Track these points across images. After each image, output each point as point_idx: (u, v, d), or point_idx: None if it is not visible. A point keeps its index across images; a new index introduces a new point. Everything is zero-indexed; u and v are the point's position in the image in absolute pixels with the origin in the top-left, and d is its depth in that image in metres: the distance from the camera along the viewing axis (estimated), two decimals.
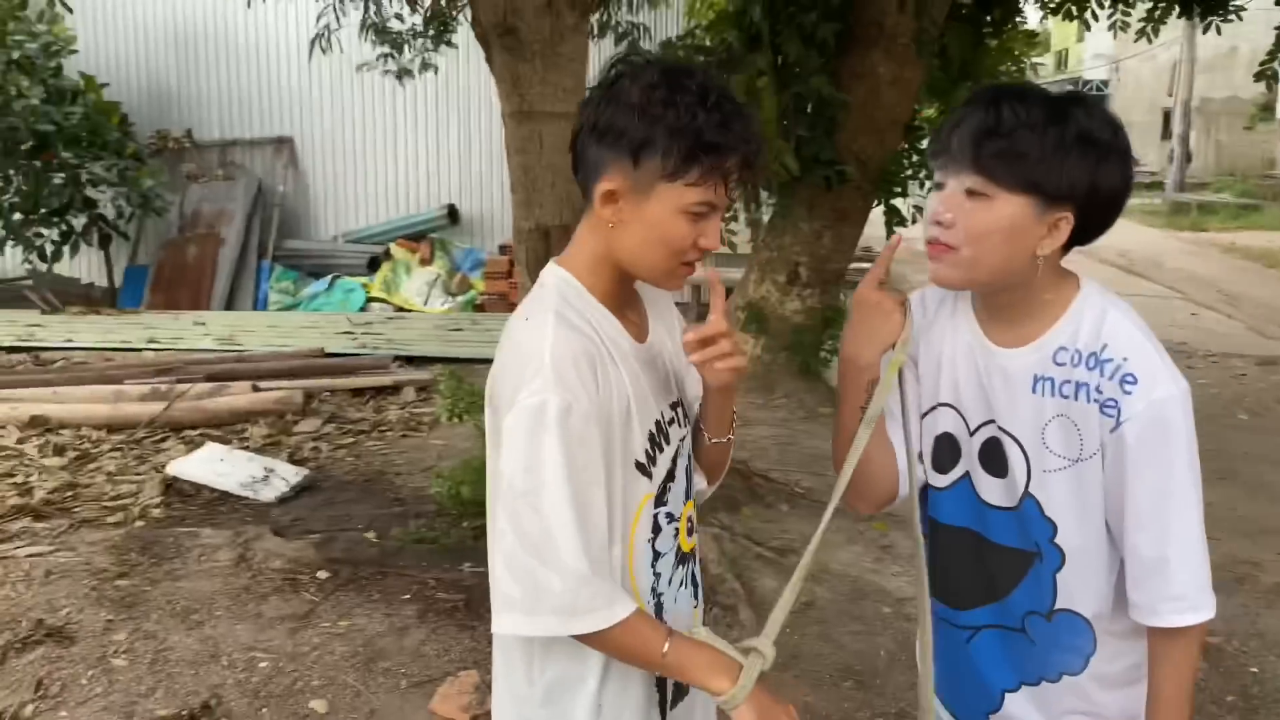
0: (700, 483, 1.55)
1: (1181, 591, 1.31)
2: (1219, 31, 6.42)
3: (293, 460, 5.27)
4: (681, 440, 1.44)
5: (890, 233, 6.34)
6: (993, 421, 1.43)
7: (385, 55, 5.30)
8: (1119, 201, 1.34)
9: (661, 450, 1.36)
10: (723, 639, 1.31)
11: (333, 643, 3.31)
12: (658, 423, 1.36)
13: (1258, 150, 27.35)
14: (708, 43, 6.10)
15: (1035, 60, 8.99)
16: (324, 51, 4.70)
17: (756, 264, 6.46)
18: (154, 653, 3.23)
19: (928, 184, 6.41)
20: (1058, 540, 1.39)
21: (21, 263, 9.48)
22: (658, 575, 1.38)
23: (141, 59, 10.22)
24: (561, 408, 1.20)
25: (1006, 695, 1.48)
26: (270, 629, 3.40)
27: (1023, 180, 1.28)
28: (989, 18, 6.70)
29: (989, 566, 1.47)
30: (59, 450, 5.36)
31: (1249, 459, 5.54)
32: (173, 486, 4.76)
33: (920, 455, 1.53)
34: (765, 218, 6.63)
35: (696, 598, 1.51)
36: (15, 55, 8.42)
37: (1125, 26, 6.95)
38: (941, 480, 1.51)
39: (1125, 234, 17.08)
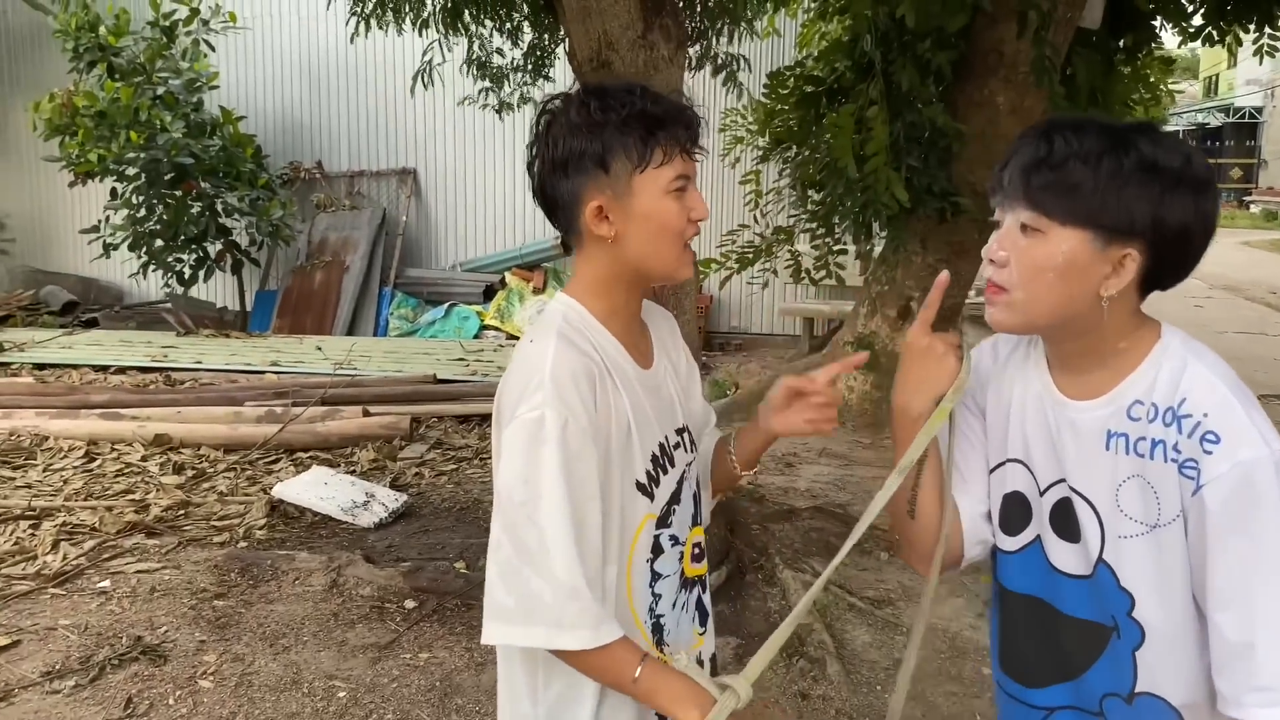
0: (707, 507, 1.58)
1: (1270, 682, 1.14)
2: None
3: (395, 485, 5.35)
4: (688, 465, 1.46)
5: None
6: (1064, 481, 1.30)
7: (486, 90, 5.39)
8: (1194, 236, 1.20)
9: (665, 472, 1.39)
10: (705, 673, 1.32)
11: (411, 675, 3.30)
12: (661, 445, 1.39)
13: None
14: (818, 73, 5.98)
15: (1175, 87, 8.52)
16: (425, 87, 4.79)
17: (867, 298, 6.27)
18: (240, 676, 3.28)
19: None
20: (1136, 614, 1.25)
21: (161, 287, 10.01)
22: (657, 597, 1.40)
23: (276, 93, 10.71)
24: (560, 422, 1.23)
25: None
26: (352, 657, 3.41)
27: (1077, 213, 1.18)
28: (1121, 43, 6.38)
29: (1062, 641, 1.33)
30: (178, 468, 5.58)
31: None
32: (278, 508, 4.89)
33: (990, 514, 1.41)
34: (876, 250, 6.43)
35: (702, 624, 1.51)
36: (160, 91, 8.93)
37: (1273, 52, 6.50)
38: (1010, 543, 1.39)
39: (1276, 270, 15.99)
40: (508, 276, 10.15)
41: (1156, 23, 6.54)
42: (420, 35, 4.83)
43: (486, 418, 6.74)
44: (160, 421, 6.11)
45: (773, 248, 6.41)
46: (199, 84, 9.29)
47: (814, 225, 5.91)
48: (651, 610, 1.39)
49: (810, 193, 5.99)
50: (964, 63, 5.58)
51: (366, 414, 6.32)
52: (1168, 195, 1.17)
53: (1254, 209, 29.15)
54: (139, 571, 4.11)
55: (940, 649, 3.44)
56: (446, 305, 9.96)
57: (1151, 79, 7.01)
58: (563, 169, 1.32)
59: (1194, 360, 1.22)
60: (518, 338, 9.50)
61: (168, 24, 9.21)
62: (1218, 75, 34.68)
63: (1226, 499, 1.15)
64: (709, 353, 9.52)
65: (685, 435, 1.47)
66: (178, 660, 3.37)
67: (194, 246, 9.43)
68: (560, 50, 4.76)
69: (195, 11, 9.26)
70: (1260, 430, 1.16)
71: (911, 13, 4.74)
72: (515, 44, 4.87)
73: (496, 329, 9.63)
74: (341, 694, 3.19)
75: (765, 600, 3.72)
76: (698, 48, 4.51)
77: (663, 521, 1.39)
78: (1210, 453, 1.16)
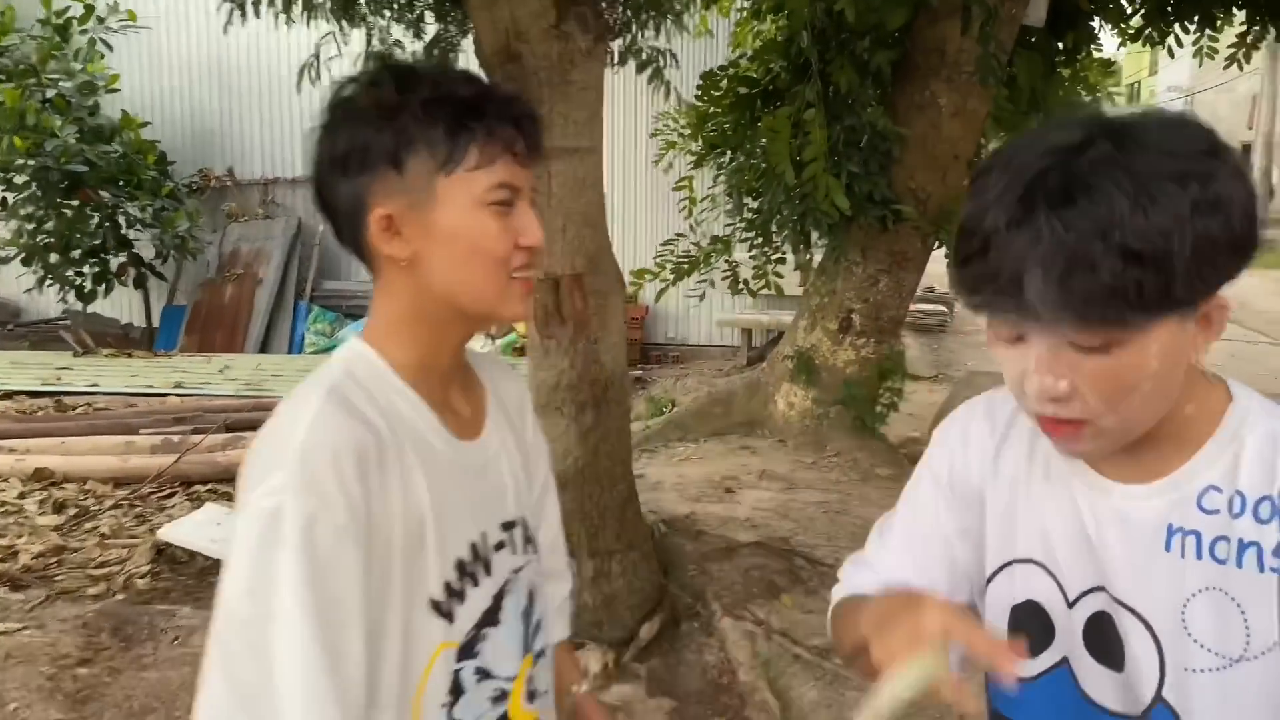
0: (559, 627, 1.29)
1: None
2: None
3: None
4: (516, 572, 1.11)
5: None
6: (1103, 589, 0.96)
7: None
8: (1254, 221, 0.83)
9: (476, 584, 1.05)
10: None
11: None
12: (474, 547, 1.05)
13: None
14: (752, 74, 5.68)
15: (1111, 90, 8.43)
16: (311, 83, 4.38)
17: (807, 310, 5.98)
18: None
19: None
20: None
21: (57, 301, 9.36)
22: None
23: (183, 97, 10.12)
24: (305, 517, 0.88)
25: None
26: None
27: (1160, 304, 0.80)
28: (1061, 45, 6.20)
29: None
30: (59, 507, 5.05)
31: None
32: (164, 552, 4.40)
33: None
34: (816, 259, 6.15)
35: None
36: (50, 94, 8.33)
37: (1213, 54, 6.38)
38: (1026, 669, 1.02)
39: None
40: None
41: (1096, 23, 6.39)
42: (308, 27, 4.42)
43: None
44: (41, 455, 5.56)
45: (709, 258, 6.10)
46: (94, 86, 8.69)
47: (751, 234, 5.61)
48: None
49: (747, 200, 5.69)
50: (904, 63, 5.33)
51: None
52: (1238, 221, 0.81)
53: None
54: None
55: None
56: (367, 320, 9.47)
57: (1091, 81, 6.85)
58: (342, 166, 0.99)
59: None
60: None
61: (60, 22, 8.60)
62: (1140, 82, 35.46)
63: None
64: (645, 366, 9.18)
65: (516, 532, 1.12)
66: None
67: (93, 259, 8.81)
68: (469, 43, 4.40)
69: (90, 9, 8.67)
70: None
71: (850, 8, 4.45)
72: (418, 36, 4.48)
73: None
74: None
75: (702, 652, 3.36)
76: (621, 42, 4.17)
77: (467, 651, 1.03)
78: None
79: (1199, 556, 0.90)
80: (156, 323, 9.67)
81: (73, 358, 8.56)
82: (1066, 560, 0.99)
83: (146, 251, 9.16)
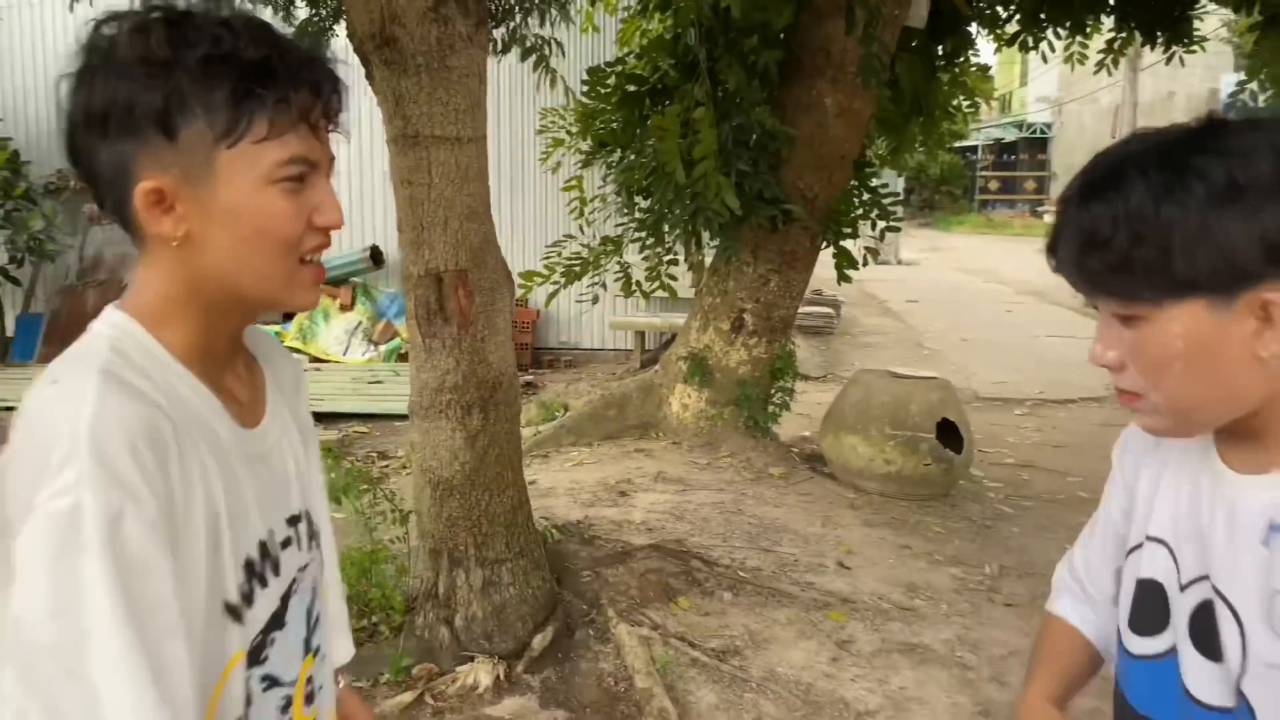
0: (343, 646, 1.20)
1: None
2: (1182, 63, 6.09)
3: None
4: (302, 570, 1.01)
5: (841, 276, 5.87)
6: (1206, 578, 0.97)
7: None
8: None
9: (265, 585, 0.93)
10: None
11: None
12: (262, 545, 0.94)
13: None
14: (640, 71, 5.61)
15: (990, 95, 8.70)
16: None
17: (699, 310, 5.94)
18: None
19: (879, 224, 6.00)
20: None
21: None
22: None
23: (40, 92, 9.50)
24: (109, 514, 0.75)
25: None
26: None
27: (1170, 285, 0.88)
28: (941, 50, 6.33)
29: None
30: None
31: None
32: None
33: (1116, 600, 1.11)
34: (707, 260, 6.12)
35: None
36: None
37: (1083, 59, 6.62)
38: (1140, 645, 1.04)
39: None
40: None
41: (974, 29, 6.55)
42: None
43: None
44: None
45: (600, 259, 6.01)
46: None
47: (643, 234, 5.53)
48: None
49: (637, 199, 5.62)
50: (791, 63, 5.34)
51: None
52: (1268, 207, 0.84)
53: (1047, 218, 31.13)
54: None
55: (794, 705, 3.06)
56: (129, 294, 9.03)
57: (969, 85, 7.03)
58: (100, 125, 0.84)
59: None
60: (323, 360, 8.72)
61: None
62: (1011, 93, 36.95)
63: None
64: (537, 370, 9.03)
65: (301, 527, 1.02)
66: None
67: None
68: (341, 29, 4.19)
69: None
70: None
71: (737, 6, 4.43)
72: (288, 21, 4.25)
73: (299, 351, 8.79)
74: None
75: (597, 660, 3.25)
76: (504, 29, 4.04)
77: (256, 657, 0.92)
78: None
79: None
80: (11, 332, 9.03)
81: None
82: (1184, 544, 1.00)
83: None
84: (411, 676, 3.10)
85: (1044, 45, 6.31)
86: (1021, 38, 6.37)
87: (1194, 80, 23.91)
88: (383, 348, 8.86)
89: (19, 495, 0.77)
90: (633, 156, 5.63)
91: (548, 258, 5.93)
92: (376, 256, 9.14)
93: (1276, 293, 0.86)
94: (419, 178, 3.01)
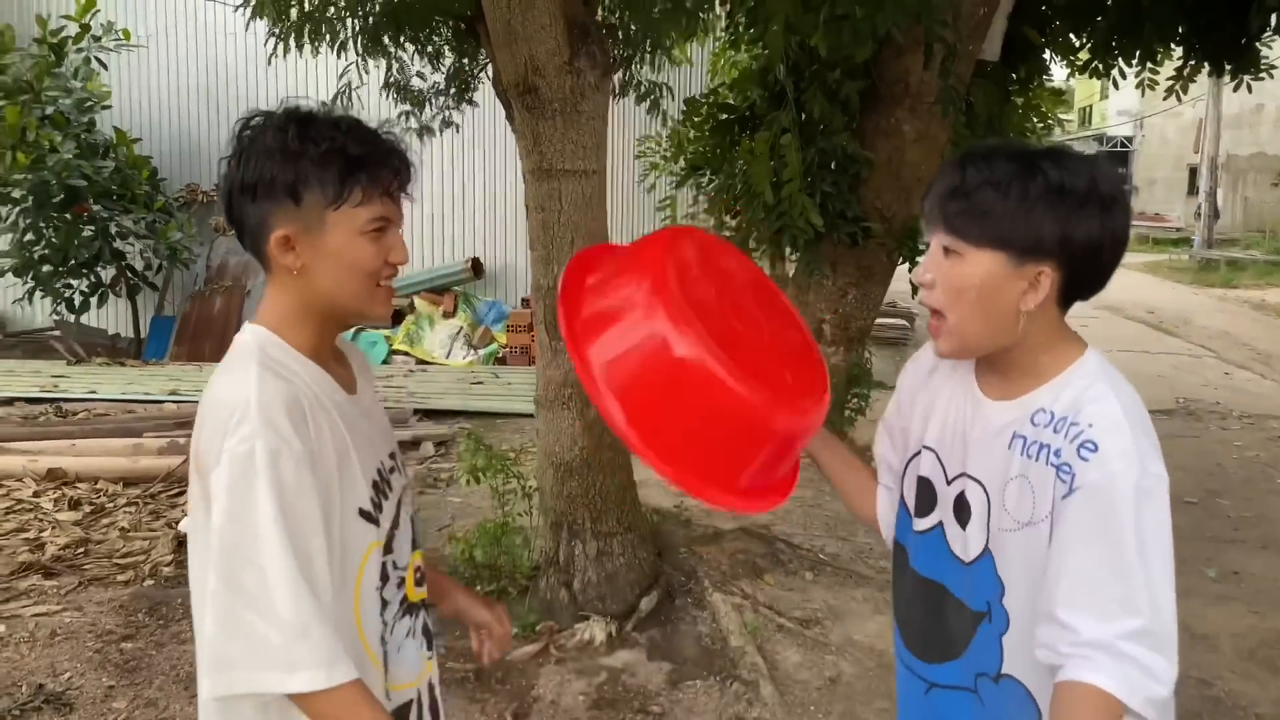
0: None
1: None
2: (1249, 90, 6.32)
3: None
4: (404, 489, 1.45)
5: (916, 290, 6.24)
6: (965, 474, 1.40)
7: (406, 113, 5.34)
8: (1103, 251, 1.28)
9: (386, 497, 1.37)
10: None
11: None
12: (379, 470, 1.37)
13: None
14: (732, 101, 6.09)
15: (1063, 116, 8.94)
16: (344, 109, 4.71)
17: None
18: None
19: None
20: (1005, 601, 1.34)
21: (50, 314, 9.55)
22: (387, 624, 1.38)
23: (173, 114, 10.38)
24: (271, 452, 1.17)
25: None
26: None
27: (990, 236, 1.26)
28: (1015, 75, 6.66)
29: (949, 622, 1.43)
30: (74, 504, 5.31)
31: None
32: (185, 544, 4.68)
33: (903, 498, 1.52)
34: (789, 273, 6.56)
35: (430, 649, 1.51)
36: (49, 111, 8.55)
37: (1154, 85, 6.88)
38: (919, 524, 1.49)
39: (1152, 290, 16.84)
40: (416, 300, 10.00)
41: (1047, 55, 6.86)
42: (338, 57, 4.75)
43: (399, 445, 6.60)
44: (53, 455, 5.81)
45: None
46: (90, 104, 8.93)
47: None
48: (383, 640, 1.37)
49: (725, 218, 6.08)
50: (871, 93, 5.74)
51: None
52: (1075, 214, 1.24)
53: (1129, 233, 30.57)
54: (37, 615, 3.89)
55: (869, 666, 3.50)
56: (353, 330, 9.75)
57: (1042, 109, 7.33)
58: (250, 192, 1.26)
59: (1102, 380, 1.30)
60: (428, 363, 9.37)
61: (56, 41, 8.84)
62: (1092, 106, 36.48)
63: (1085, 504, 1.21)
64: None
65: (397, 459, 1.47)
66: (85, 708, 3.20)
67: (86, 271, 9.03)
68: (485, 75, 4.74)
69: (86, 28, 8.91)
70: (1140, 453, 1.21)
71: (823, 43, 4.86)
72: (436, 68, 4.82)
73: (406, 354, 9.47)
74: None
75: (695, 624, 3.72)
76: (621, 75, 4.55)
77: (387, 547, 1.37)
78: (1086, 460, 1.22)
79: (1022, 454, 1.31)
80: (145, 333, 9.86)
81: (67, 366, 8.77)
82: (949, 449, 1.43)
83: (137, 264, 9.38)
84: (536, 632, 3.62)
85: (1115, 72, 6.58)
86: (1093, 65, 6.66)
87: None
88: (481, 351, 9.47)
89: (212, 445, 1.19)
90: (723, 178, 6.10)
91: None
92: (477, 268, 9.79)
93: (1048, 269, 1.25)
94: (551, 204, 3.53)
